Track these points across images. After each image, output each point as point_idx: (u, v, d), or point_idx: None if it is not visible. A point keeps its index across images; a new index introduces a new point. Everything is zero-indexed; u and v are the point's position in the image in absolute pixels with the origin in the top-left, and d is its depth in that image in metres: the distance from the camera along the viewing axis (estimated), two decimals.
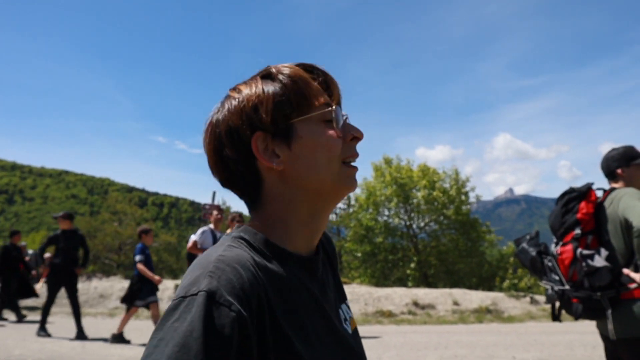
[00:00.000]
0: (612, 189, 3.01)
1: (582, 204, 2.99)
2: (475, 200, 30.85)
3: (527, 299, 13.67)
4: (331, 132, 0.92)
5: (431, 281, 27.21)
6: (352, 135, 0.94)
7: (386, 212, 30.00)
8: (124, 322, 8.43)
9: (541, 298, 14.01)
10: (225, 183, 0.96)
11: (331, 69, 1.00)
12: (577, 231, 2.96)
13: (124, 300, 8.46)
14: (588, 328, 9.95)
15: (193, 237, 8.01)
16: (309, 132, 0.91)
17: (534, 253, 3.20)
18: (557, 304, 3.14)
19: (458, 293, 14.22)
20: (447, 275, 28.03)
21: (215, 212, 8.36)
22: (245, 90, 0.93)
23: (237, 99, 0.92)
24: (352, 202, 31.58)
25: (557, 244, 3.10)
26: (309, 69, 0.97)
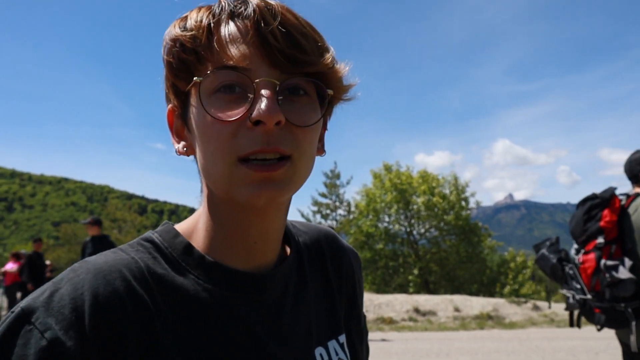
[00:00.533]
0: (638, 195, 2.91)
1: (606, 212, 2.87)
2: (475, 206, 30.88)
3: (529, 304, 13.62)
4: (205, 113, 0.61)
5: (432, 287, 27.17)
6: (254, 119, 0.59)
7: (386, 219, 30.01)
8: None
9: (542, 304, 13.96)
10: None
11: None
12: (600, 240, 2.85)
13: None
14: (590, 334, 9.90)
15: None
16: (193, 110, 0.65)
17: (554, 260, 3.09)
18: (577, 311, 3.09)
19: (459, 299, 14.17)
20: (448, 282, 28.00)
21: None
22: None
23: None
24: (352, 209, 31.60)
25: (578, 251, 3.00)
26: (216, 13, 0.65)
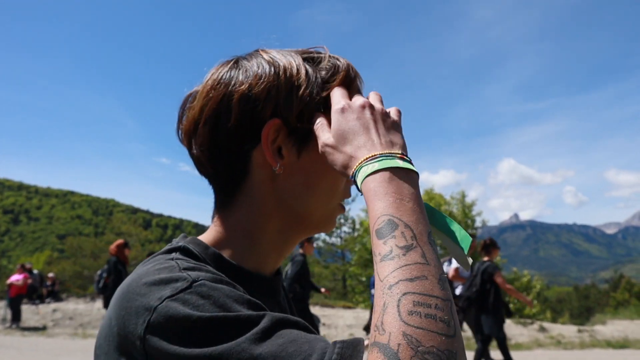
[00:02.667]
0: None
1: None
2: (482, 225, 30.73)
3: (535, 326, 13.45)
4: None
5: None
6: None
7: None
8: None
9: (549, 325, 13.78)
10: (203, 161, 0.77)
11: None
12: None
13: (367, 328, 8.58)
14: (598, 356, 9.77)
15: (454, 265, 7.92)
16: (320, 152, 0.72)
17: None
18: None
19: None
20: None
21: None
22: (283, 61, 0.75)
23: (271, 66, 0.74)
24: (357, 227, 31.49)
25: None
26: (353, 74, 0.79)
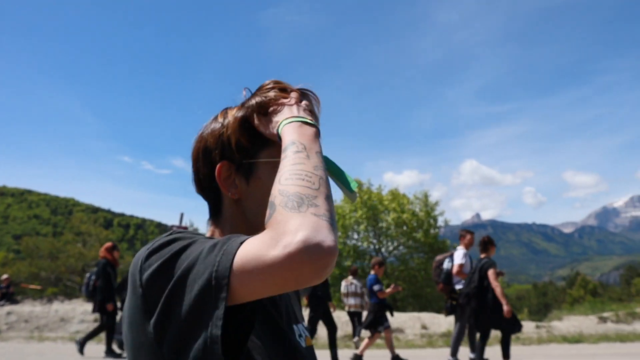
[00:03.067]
0: None
1: None
2: (444, 225, 31.20)
3: None
4: None
5: (400, 305, 27.22)
6: None
7: (355, 236, 30.04)
8: (366, 346, 8.64)
9: None
10: (198, 190, 1.05)
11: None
12: None
13: (368, 326, 8.78)
14: (557, 352, 10.05)
15: (458, 261, 7.96)
16: (268, 175, 0.97)
17: None
18: None
19: (427, 317, 14.22)
20: (415, 299, 28.10)
21: (469, 236, 8.38)
22: (230, 117, 1.02)
23: (220, 123, 1.02)
24: None
25: None
26: (286, 86, 1.03)
